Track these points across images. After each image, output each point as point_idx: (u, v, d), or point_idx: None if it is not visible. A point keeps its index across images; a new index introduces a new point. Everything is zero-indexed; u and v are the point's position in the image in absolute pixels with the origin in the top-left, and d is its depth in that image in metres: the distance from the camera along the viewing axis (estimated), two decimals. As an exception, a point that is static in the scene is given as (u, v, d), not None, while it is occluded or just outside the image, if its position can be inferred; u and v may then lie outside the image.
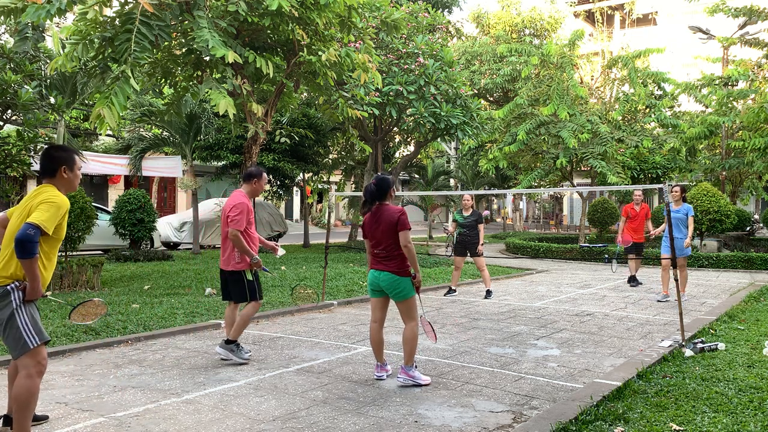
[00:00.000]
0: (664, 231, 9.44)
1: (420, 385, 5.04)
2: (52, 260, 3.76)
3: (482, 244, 10.16)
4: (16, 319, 3.62)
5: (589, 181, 22.07)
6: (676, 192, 9.32)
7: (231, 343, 5.75)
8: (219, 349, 5.76)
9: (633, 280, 11.76)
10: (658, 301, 9.68)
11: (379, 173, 5.51)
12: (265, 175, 6.11)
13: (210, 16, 7.71)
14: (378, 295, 5.31)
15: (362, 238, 5.51)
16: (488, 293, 10.08)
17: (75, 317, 4.60)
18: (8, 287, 3.63)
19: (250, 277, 5.78)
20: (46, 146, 4.07)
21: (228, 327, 5.92)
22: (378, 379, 5.24)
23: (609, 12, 33.23)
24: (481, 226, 10.17)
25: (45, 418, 4.19)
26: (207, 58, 8.50)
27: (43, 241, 3.62)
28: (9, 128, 12.10)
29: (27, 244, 3.47)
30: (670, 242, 6.74)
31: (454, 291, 10.47)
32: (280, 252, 6.29)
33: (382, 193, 5.24)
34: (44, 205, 3.58)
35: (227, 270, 5.82)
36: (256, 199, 18.15)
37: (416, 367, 5.18)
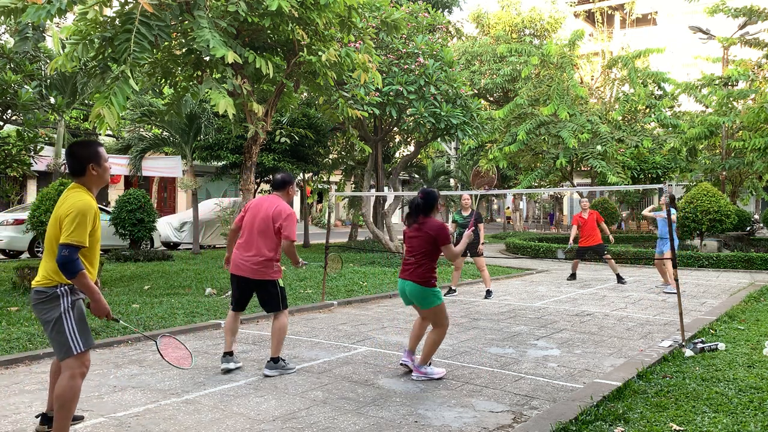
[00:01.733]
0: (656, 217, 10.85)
1: (435, 379, 5.17)
2: (94, 262, 3.71)
3: (482, 244, 10.15)
4: (63, 324, 3.56)
5: (589, 181, 22.09)
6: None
7: (278, 361, 5.39)
8: (269, 372, 5.31)
9: (620, 279, 12.12)
10: (665, 292, 10.60)
11: (425, 186, 5.57)
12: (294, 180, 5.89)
13: (210, 16, 7.71)
14: (410, 303, 5.40)
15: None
16: (488, 293, 10.08)
17: (168, 356, 4.33)
18: (57, 290, 3.56)
19: (282, 284, 5.53)
20: (69, 144, 3.95)
21: (230, 335, 5.48)
22: (403, 364, 5.38)
23: (609, 12, 33.25)
24: (481, 226, 10.14)
25: (81, 418, 4.18)
26: (207, 58, 8.50)
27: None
28: (9, 128, 12.12)
29: (68, 266, 3.42)
30: (669, 243, 6.77)
31: (454, 291, 10.46)
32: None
33: (429, 208, 5.26)
34: (68, 219, 3.47)
35: (260, 279, 5.36)
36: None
37: (430, 363, 5.28)
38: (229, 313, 5.57)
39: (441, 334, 5.23)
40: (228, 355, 5.45)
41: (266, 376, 5.29)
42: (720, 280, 12.83)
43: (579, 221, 12.08)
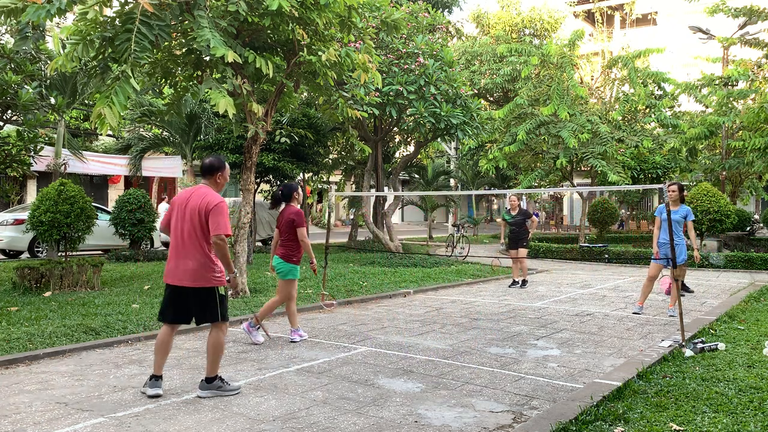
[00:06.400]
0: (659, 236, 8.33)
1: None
2: None
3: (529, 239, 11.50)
4: None
5: (589, 181, 22.08)
6: (673, 192, 8.22)
7: (214, 380, 4.75)
8: (203, 393, 4.71)
9: (522, 283, 11.41)
10: (634, 313, 8.53)
11: (287, 182, 6.02)
12: (228, 166, 5.05)
13: (210, 15, 7.71)
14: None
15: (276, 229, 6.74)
16: (524, 283, 11.35)
17: None
18: None
19: (223, 292, 4.80)
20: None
21: (162, 355, 4.74)
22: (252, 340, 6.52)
23: (609, 12, 33.23)
24: (531, 221, 11.34)
25: None
26: (207, 58, 8.50)
27: None
28: (9, 128, 12.11)
29: None
30: (670, 247, 6.66)
31: (518, 283, 11.39)
32: None
33: (288, 197, 6.69)
34: None
35: (198, 287, 4.69)
36: (256, 199, 18.15)
37: (259, 328, 6.62)
38: (162, 329, 4.83)
39: (278, 301, 6.68)
40: (156, 378, 4.71)
41: (199, 397, 4.69)
42: (720, 280, 12.82)
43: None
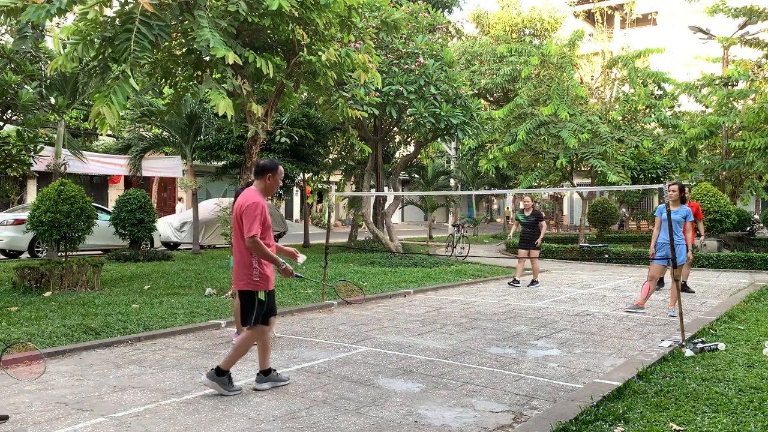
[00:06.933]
0: (658, 236, 8.37)
1: None
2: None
3: (541, 240, 11.55)
4: None
5: (589, 181, 22.08)
6: (673, 192, 8.26)
7: (223, 375, 4.76)
8: (206, 380, 4.75)
9: (513, 282, 11.72)
10: (626, 310, 8.71)
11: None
12: (281, 168, 5.00)
13: (210, 15, 7.71)
14: None
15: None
16: (533, 282, 11.49)
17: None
18: None
19: (263, 297, 4.79)
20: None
21: (261, 353, 4.97)
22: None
23: (609, 12, 33.24)
24: (543, 224, 11.50)
25: (5, 418, 4.16)
26: (207, 58, 8.51)
27: None
28: (9, 128, 12.12)
29: None
30: (670, 247, 6.67)
31: (518, 282, 11.51)
32: (301, 258, 5.32)
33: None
34: None
35: (238, 289, 4.88)
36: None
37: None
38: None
39: (237, 303, 6.04)
40: (261, 373, 4.96)
41: (204, 384, 4.77)
42: (720, 280, 12.82)
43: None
